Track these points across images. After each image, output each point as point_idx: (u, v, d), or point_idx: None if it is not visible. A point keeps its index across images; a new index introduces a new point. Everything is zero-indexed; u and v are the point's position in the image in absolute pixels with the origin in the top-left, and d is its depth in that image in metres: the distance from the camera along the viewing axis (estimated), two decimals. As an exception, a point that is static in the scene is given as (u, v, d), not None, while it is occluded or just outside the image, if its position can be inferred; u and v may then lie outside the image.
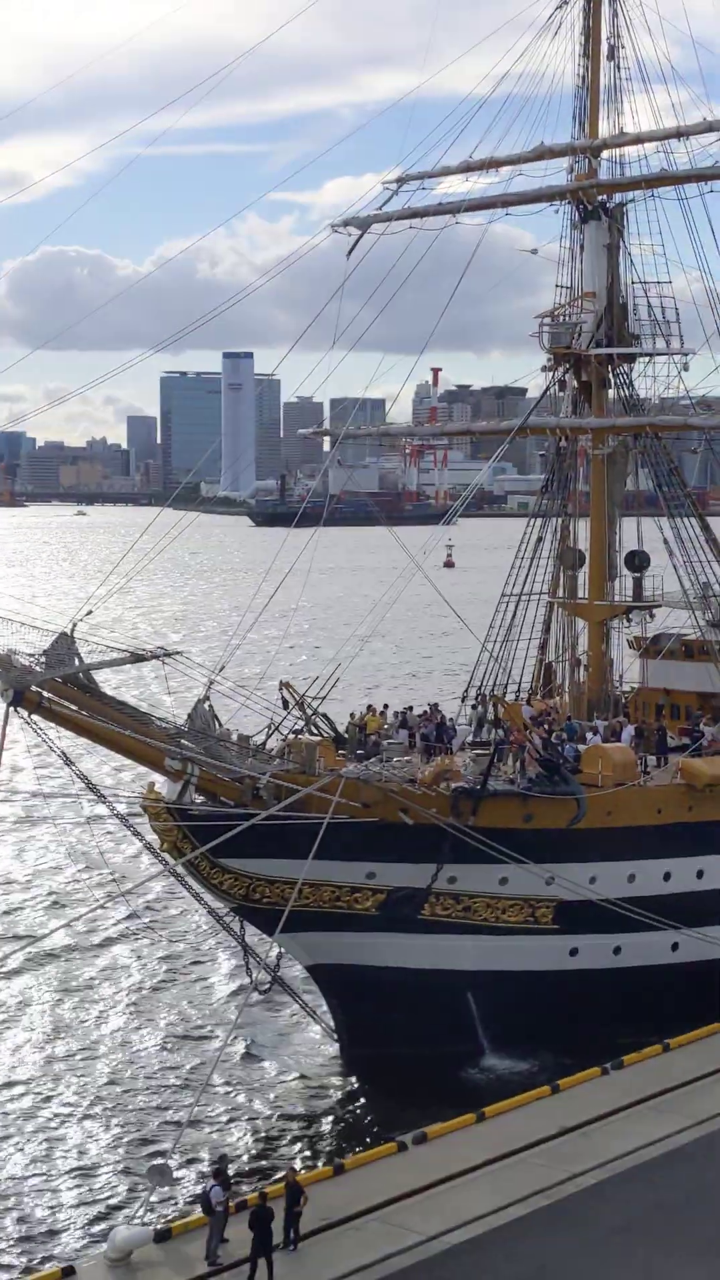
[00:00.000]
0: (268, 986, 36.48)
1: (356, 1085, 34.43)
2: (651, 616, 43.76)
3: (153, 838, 33.23)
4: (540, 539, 42.66)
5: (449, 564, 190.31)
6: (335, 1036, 36.12)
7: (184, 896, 40.04)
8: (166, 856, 33.13)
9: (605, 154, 42.63)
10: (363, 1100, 33.66)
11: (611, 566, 42.44)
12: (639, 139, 41.74)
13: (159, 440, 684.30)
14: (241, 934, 35.62)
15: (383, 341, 44.49)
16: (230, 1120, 32.56)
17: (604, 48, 42.31)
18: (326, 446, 52.33)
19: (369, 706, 41.43)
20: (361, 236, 42.43)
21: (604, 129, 42.52)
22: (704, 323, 42.79)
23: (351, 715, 40.06)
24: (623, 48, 42.27)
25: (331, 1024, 36.22)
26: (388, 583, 38.27)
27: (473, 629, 40.01)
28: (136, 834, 33.39)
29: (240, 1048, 36.39)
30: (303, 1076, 35.06)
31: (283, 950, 36.00)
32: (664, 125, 41.72)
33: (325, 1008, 36.48)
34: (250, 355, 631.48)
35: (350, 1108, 33.41)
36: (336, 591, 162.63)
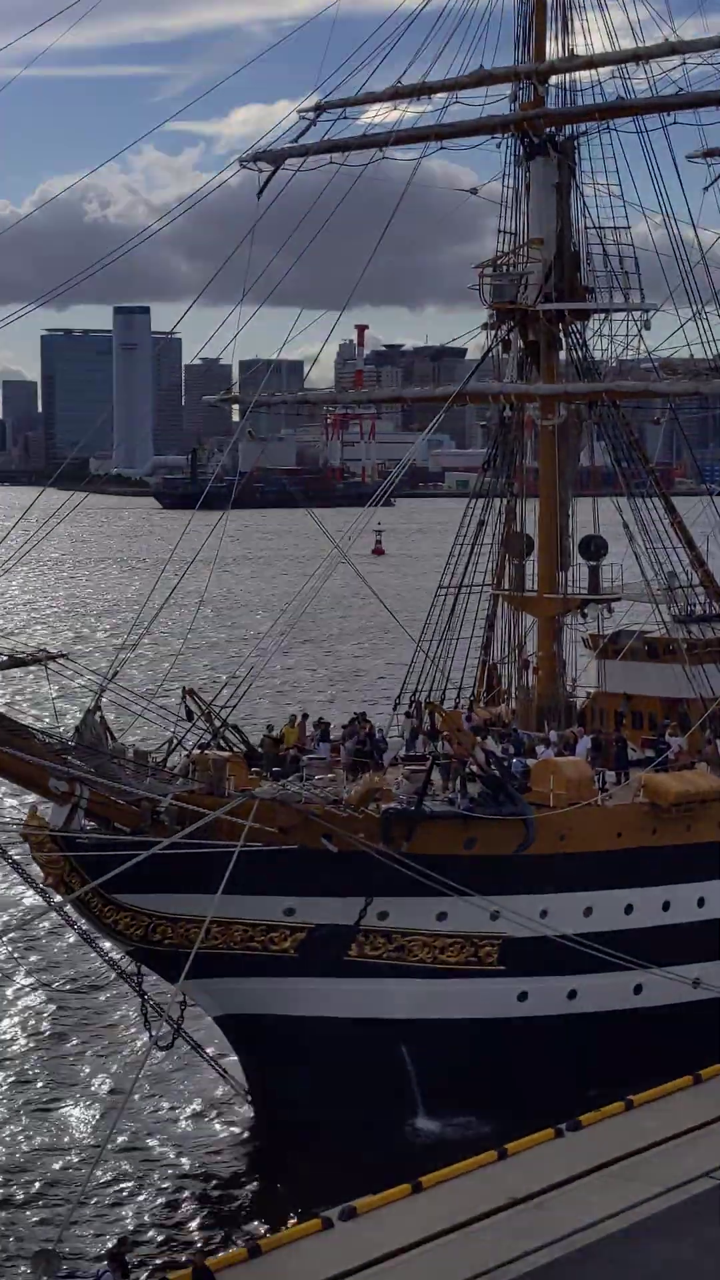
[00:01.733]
0: (169, 1042, 36.28)
1: (274, 1153, 34.35)
2: (610, 611, 44.10)
3: (36, 871, 32.97)
4: (482, 523, 42.86)
5: (378, 551, 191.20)
6: (249, 1097, 36.09)
7: (73, 939, 39.83)
8: (52, 892, 32.89)
9: (554, 79, 42.86)
10: (281, 1170, 33.59)
11: (563, 554, 42.72)
12: (591, 62, 42.03)
13: (40, 409, 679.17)
14: (139, 981, 35.46)
15: (301, 295, 44.51)
16: (128, 1196, 32.37)
17: (552, -43, 42.48)
18: (236, 416, 52.25)
19: (291, 716, 41.46)
20: (274, 173, 42.33)
21: (552, 51, 42.76)
22: (667, 274, 43.17)
23: (269, 728, 40.05)
24: (573, -43, 42.47)
25: (244, 1083, 36.17)
26: (308, 574, 38.28)
27: (406, 626, 40.11)
28: (15, 867, 33.11)
29: (139, 1113, 36.21)
30: (212, 1144, 34.94)
31: (188, 999, 35.90)
32: (620, 47, 42.07)
33: (238, 1064, 36.39)
34: (146, 310, 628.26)
35: (267, 1179, 33.33)
36: (250, 584, 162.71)
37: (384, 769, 36.49)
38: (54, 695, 33.51)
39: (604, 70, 42.01)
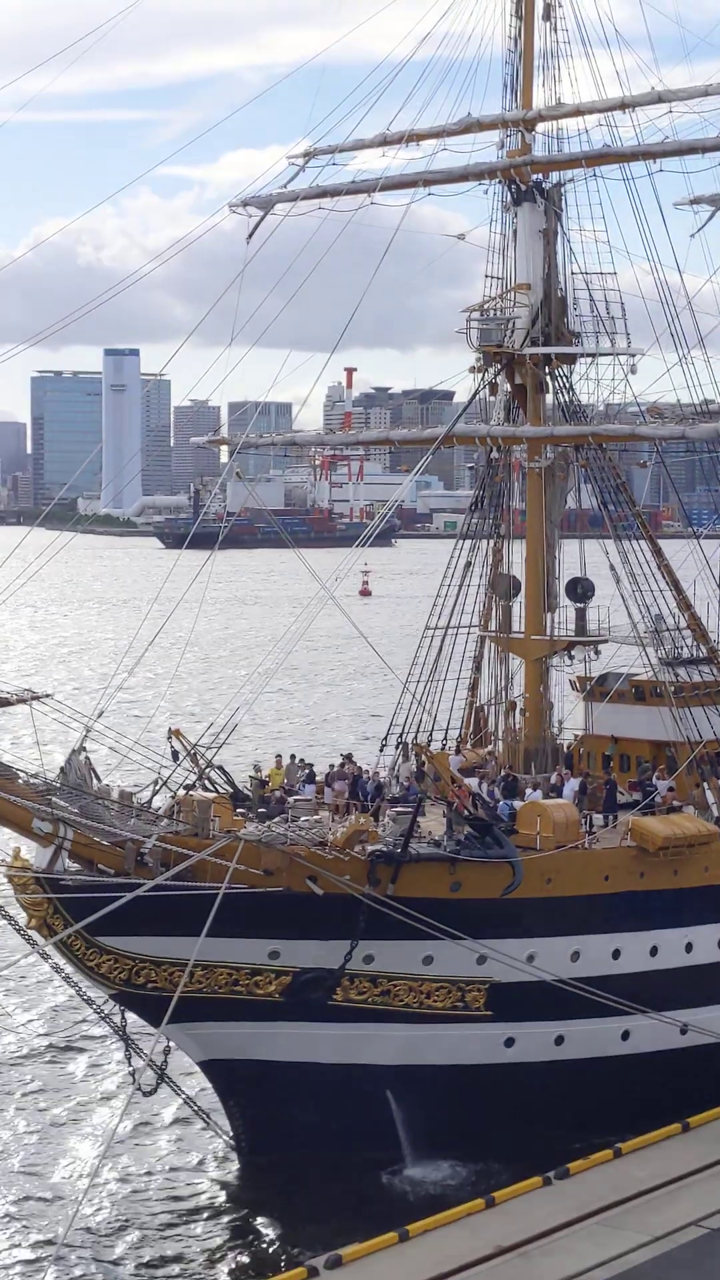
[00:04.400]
0: (153, 1087, 35.93)
1: (259, 1200, 33.91)
2: (597, 654, 43.96)
3: (18, 913, 32.67)
4: (469, 564, 42.79)
5: (365, 592, 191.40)
6: (234, 1144, 35.67)
7: (55, 982, 39.46)
8: (34, 935, 32.59)
9: (541, 127, 43.02)
10: (266, 1218, 33.19)
11: (550, 596, 42.61)
12: (579, 110, 42.15)
13: (29, 449, 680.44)
14: (123, 1025, 35.14)
15: (290, 337, 44.54)
16: (109, 1243, 31.91)
17: (539, 6, 42.73)
18: (224, 458, 52.16)
19: (277, 757, 41.27)
20: (263, 218, 42.47)
21: (539, 99, 42.90)
22: (653, 319, 43.27)
23: (256, 768, 39.83)
24: (560, 6, 42.73)
25: (229, 1129, 35.76)
26: (295, 614, 38.14)
27: (393, 667, 39.97)
28: (-1, 909, 32.82)
29: (121, 1159, 35.79)
30: (195, 1191, 34.49)
31: (171, 1044, 35.54)
32: (607, 95, 42.17)
33: (222, 1110, 35.99)
34: (136, 352, 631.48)
35: (252, 1227, 32.92)
36: (236, 625, 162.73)
37: (374, 810, 36.24)
38: (39, 736, 33.23)
39: (591, 118, 42.19)
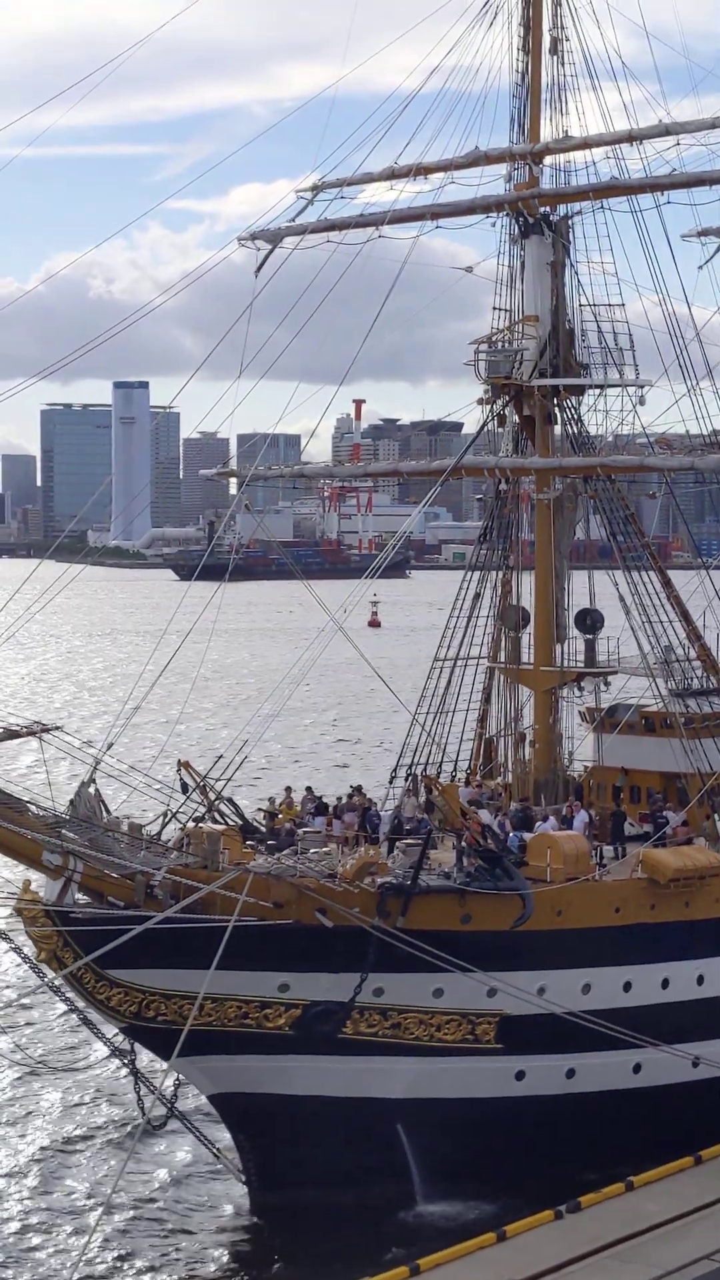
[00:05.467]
0: (162, 1121, 35.84)
1: (268, 1235, 33.77)
2: (607, 685, 43.97)
3: (28, 945, 32.65)
4: (478, 595, 42.83)
5: (374, 623, 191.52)
6: (243, 1179, 35.49)
7: (65, 1014, 39.39)
8: (44, 968, 32.56)
9: (548, 160, 43.25)
10: (277, 1253, 33.01)
11: (560, 627, 42.64)
12: (586, 143, 42.40)
13: (39, 482, 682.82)
14: (132, 1059, 35.02)
15: (299, 369, 44.69)
16: (120, 1278, 31.82)
17: (546, 40, 43.00)
18: (233, 489, 52.32)
19: (286, 789, 41.28)
20: (272, 251, 42.69)
21: (546, 132, 43.14)
22: (661, 350, 43.38)
23: (271, 800, 39.84)
24: (567, 40, 42.96)
25: (239, 1164, 35.60)
26: (305, 646, 38.21)
27: (402, 699, 39.97)
28: (8, 941, 32.75)
29: (131, 1193, 35.64)
30: (206, 1225, 34.33)
31: (181, 1077, 35.43)
32: (614, 128, 42.40)
33: (231, 1144, 35.87)
34: (145, 385, 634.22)
35: (263, 1262, 32.74)
36: (247, 656, 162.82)
37: (381, 843, 36.22)
38: (48, 768, 33.29)
39: (598, 151, 42.41)
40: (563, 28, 43.01)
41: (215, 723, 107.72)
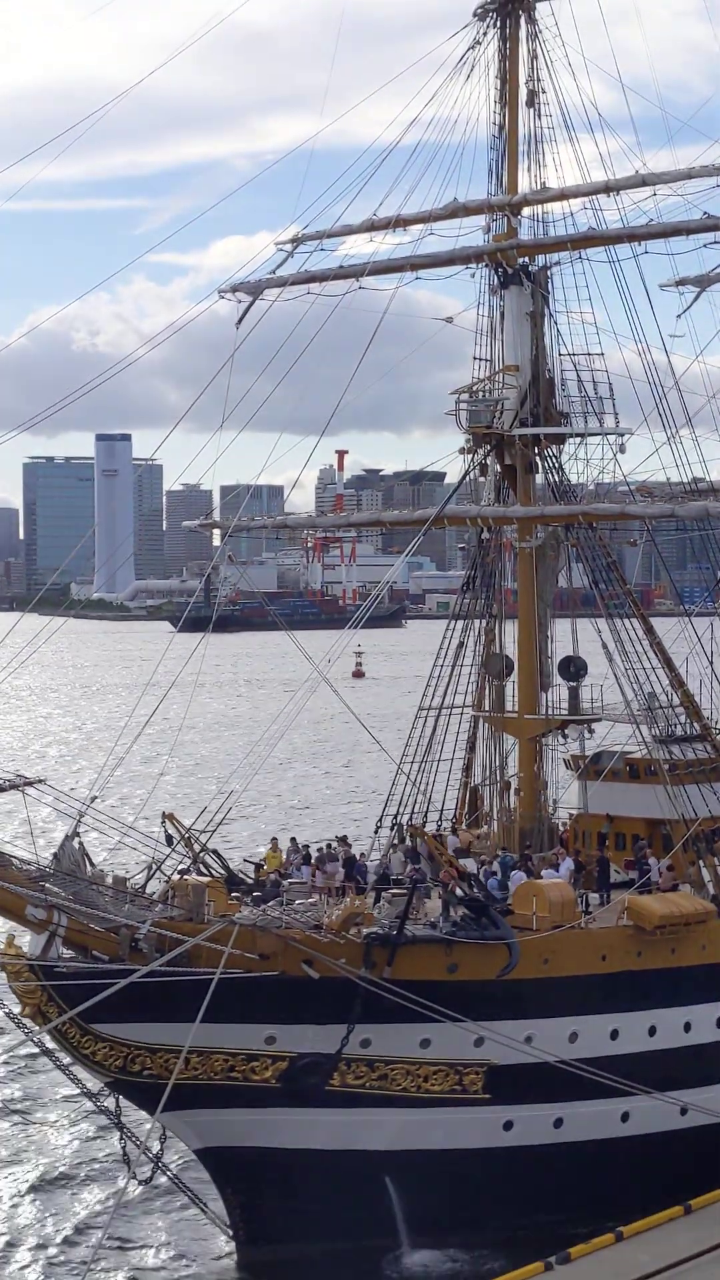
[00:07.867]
0: (149, 1176, 35.65)
1: (256, 1291, 33.63)
2: (591, 732, 44.10)
3: (12, 1001, 32.55)
4: (462, 644, 43.00)
5: (358, 674, 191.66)
6: (230, 1232, 35.32)
7: (49, 1070, 39.19)
8: (28, 1023, 32.45)
9: (526, 211, 43.67)
10: (264, 1309, 32.91)
11: (543, 675, 42.79)
12: (564, 194, 42.83)
13: (21, 535, 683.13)
14: (118, 1114, 34.87)
15: (282, 421, 44.98)
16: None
17: (522, 93, 43.54)
18: (216, 541, 52.50)
19: (273, 840, 41.27)
20: (252, 303, 43.04)
21: (524, 183, 43.64)
22: (641, 399, 43.74)
23: (264, 854, 39.94)
24: (544, 92, 43.47)
25: (226, 1218, 35.42)
26: (288, 697, 38.33)
27: (386, 748, 40.04)
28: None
29: (117, 1249, 35.39)
30: (192, 1282, 34.17)
31: (167, 1131, 35.25)
32: (591, 179, 42.88)
33: (218, 1198, 35.68)
34: (128, 437, 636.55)
35: (249, 1319, 32.63)
36: (231, 708, 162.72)
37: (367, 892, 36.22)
38: (32, 822, 33.28)
39: (576, 201, 42.79)
40: (539, 80, 43.50)
41: (201, 775, 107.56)
